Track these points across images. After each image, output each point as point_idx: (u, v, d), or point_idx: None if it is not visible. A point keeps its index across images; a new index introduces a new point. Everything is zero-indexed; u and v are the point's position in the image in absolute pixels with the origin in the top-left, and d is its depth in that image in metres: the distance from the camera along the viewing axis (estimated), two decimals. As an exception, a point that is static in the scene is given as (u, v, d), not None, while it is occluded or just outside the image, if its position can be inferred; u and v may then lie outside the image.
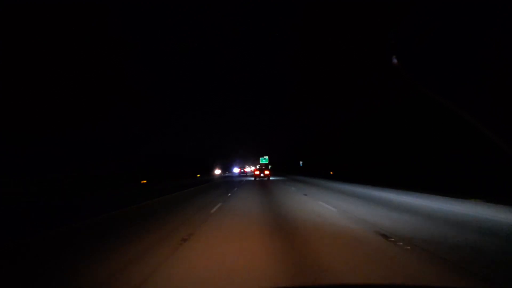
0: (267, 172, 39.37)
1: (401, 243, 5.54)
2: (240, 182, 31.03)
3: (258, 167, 43.81)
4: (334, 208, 10.17)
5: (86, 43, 22.21)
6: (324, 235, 6.30)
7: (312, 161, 50.29)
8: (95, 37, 22.54)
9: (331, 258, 4.71)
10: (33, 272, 4.49)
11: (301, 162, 47.93)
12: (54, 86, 23.01)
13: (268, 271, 4.14)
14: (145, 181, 36.42)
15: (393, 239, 5.85)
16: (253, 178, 39.49)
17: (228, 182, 31.05)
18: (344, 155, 38.31)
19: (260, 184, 27.02)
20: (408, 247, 5.28)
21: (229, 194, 16.53)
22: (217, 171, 73.14)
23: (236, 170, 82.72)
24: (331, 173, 40.57)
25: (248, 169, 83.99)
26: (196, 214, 9.61)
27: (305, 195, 15.19)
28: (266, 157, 66.74)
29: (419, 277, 3.94)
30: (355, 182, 25.07)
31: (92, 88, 26.45)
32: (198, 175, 54.19)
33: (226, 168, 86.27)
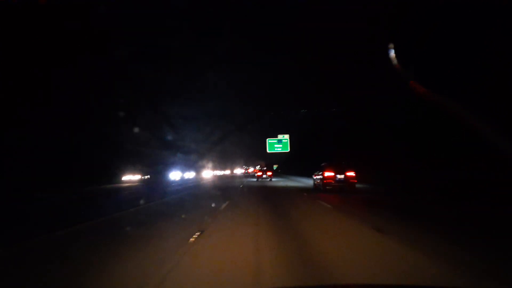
0: (269, 173, 39.25)
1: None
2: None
3: (259, 168, 43.84)
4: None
5: (86, 43, 22.23)
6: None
7: (312, 162, 50.10)
8: (95, 37, 22.55)
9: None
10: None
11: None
12: (53, 86, 23.04)
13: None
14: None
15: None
16: (255, 179, 39.88)
17: None
18: (341, 155, 38.26)
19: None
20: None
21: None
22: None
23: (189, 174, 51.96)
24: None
25: (250, 169, 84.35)
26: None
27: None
28: (286, 138, 42.35)
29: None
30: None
31: (91, 88, 26.49)
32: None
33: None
